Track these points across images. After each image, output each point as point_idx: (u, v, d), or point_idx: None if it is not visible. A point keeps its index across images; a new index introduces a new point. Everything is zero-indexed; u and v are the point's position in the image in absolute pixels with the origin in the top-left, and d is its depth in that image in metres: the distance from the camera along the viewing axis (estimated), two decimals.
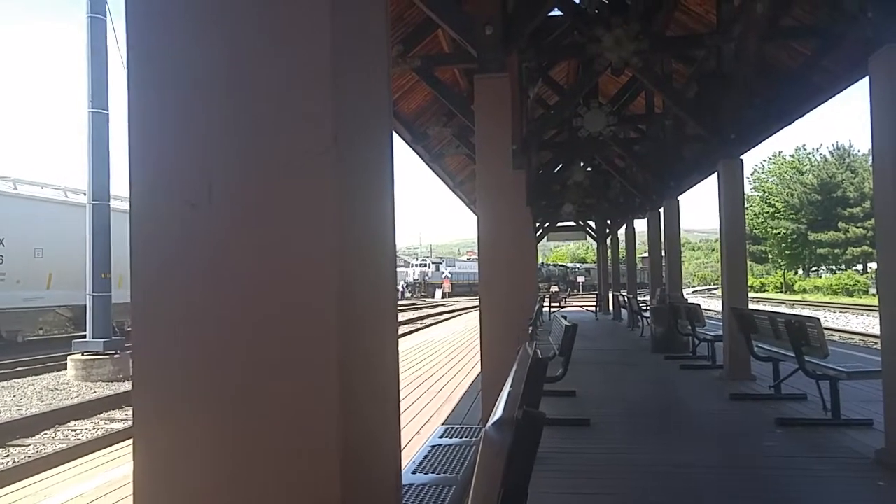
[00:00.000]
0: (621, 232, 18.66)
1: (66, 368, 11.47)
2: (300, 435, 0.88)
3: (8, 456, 6.61)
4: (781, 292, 49.68)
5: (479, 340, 4.75)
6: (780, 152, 63.52)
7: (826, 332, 5.82)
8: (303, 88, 0.89)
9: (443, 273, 51.47)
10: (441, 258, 61.66)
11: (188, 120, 0.92)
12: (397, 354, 1.22)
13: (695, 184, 12.18)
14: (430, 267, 52.12)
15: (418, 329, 18.02)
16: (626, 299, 14.83)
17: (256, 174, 0.90)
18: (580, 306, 24.16)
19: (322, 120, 0.89)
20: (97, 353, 11.15)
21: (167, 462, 0.91)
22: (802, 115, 7.11)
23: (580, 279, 54.08)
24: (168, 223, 0.92)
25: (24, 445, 7.00)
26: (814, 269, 57.92)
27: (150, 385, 0.92)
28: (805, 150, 62.88)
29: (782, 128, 7.32)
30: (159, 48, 0.93)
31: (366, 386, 1.01)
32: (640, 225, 17.03)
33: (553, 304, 21.41)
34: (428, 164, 11.62)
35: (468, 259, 61.50)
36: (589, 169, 14.11)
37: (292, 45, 0.90)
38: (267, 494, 0.88)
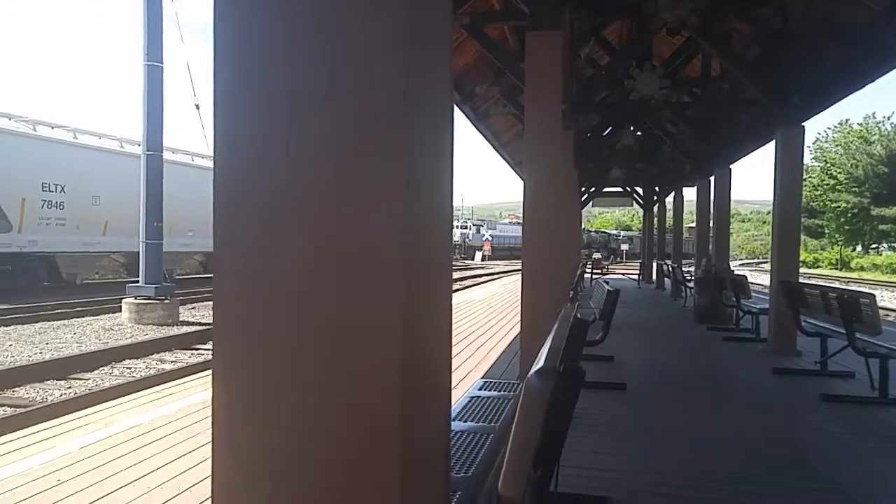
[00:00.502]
0: (669, 200, 18.18)
1: (120, 311, 12.10)
2: (366, 375, 0.94)
3: (70, 387, 7.09)
4: (837, 269, 47.70)
5: (518, 303, 4.75)
6: (846, 120, 59.90)
7: (881, 311, 5.58)
8: (380, 56, 0.93)
9: (483, 235, 51.28)
10: (482, 220, 61.41)
11: (271, 81, 0.97)
12: (451, 309, 1.26)
13: (749, 152, 11.67)
14: (471, 229, 51.93)
15: (458, 290, 18.15)
16: (670, 268, 14.55)
17: (332, 133, 0.95)
18: (623, 274, 23.83)
19: (395, 87, 0.93)
20: (149, 298, 11.69)
21: (242, 397, 0.99)
22: (874, 80, 6.63)
23: (624, 247, 53.00)
24: (248, 175, 0.97)
25: (84, 379, 7.48)
26: (874, 245, 55.16)
27: (230, 326, 0.99)
28: (875, 118, 59.04)
29: (851, 93, 6.86)
30: (247, 16, 0.97)
31: (423, 340, 1.07)
32: (689, 193, 16.55)
33: (595, 271, 21.15)
34: (474, 124, 11.46)
35: (510, 222, 61.08)
36: (639, 133, 13.65)
37: (369, 15, 0.93)
38: (333, 435, 0.95)
